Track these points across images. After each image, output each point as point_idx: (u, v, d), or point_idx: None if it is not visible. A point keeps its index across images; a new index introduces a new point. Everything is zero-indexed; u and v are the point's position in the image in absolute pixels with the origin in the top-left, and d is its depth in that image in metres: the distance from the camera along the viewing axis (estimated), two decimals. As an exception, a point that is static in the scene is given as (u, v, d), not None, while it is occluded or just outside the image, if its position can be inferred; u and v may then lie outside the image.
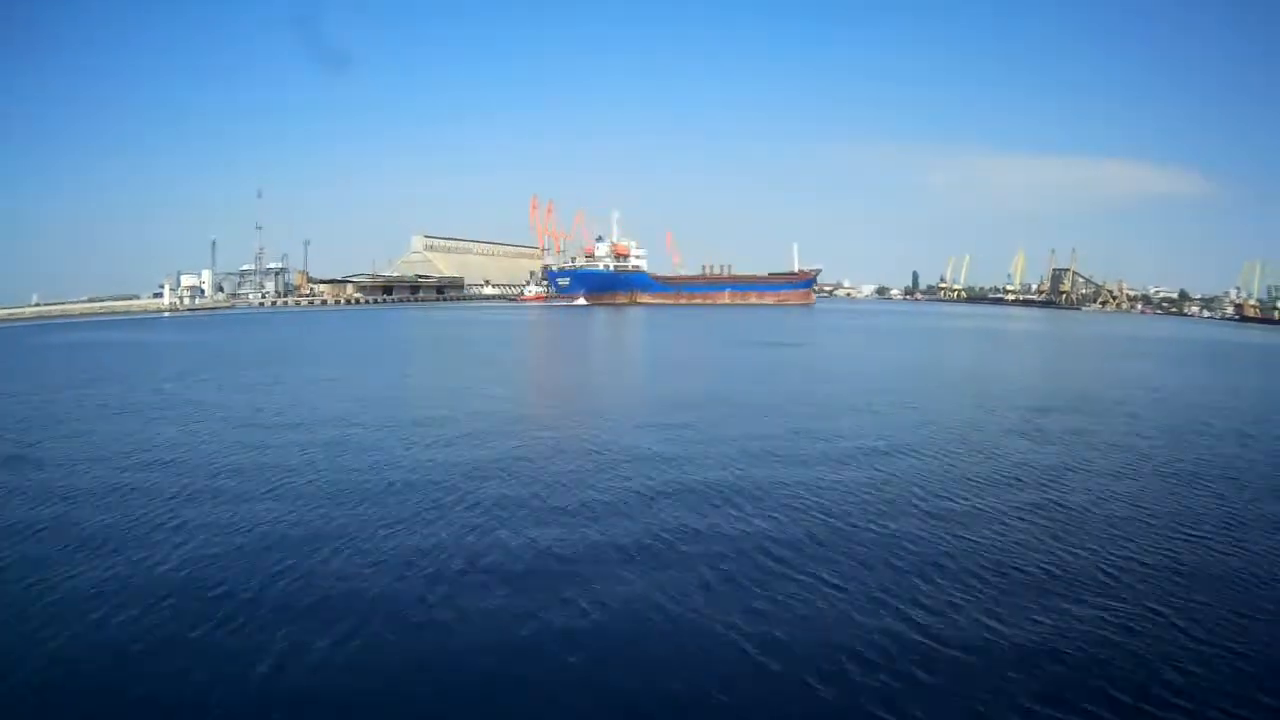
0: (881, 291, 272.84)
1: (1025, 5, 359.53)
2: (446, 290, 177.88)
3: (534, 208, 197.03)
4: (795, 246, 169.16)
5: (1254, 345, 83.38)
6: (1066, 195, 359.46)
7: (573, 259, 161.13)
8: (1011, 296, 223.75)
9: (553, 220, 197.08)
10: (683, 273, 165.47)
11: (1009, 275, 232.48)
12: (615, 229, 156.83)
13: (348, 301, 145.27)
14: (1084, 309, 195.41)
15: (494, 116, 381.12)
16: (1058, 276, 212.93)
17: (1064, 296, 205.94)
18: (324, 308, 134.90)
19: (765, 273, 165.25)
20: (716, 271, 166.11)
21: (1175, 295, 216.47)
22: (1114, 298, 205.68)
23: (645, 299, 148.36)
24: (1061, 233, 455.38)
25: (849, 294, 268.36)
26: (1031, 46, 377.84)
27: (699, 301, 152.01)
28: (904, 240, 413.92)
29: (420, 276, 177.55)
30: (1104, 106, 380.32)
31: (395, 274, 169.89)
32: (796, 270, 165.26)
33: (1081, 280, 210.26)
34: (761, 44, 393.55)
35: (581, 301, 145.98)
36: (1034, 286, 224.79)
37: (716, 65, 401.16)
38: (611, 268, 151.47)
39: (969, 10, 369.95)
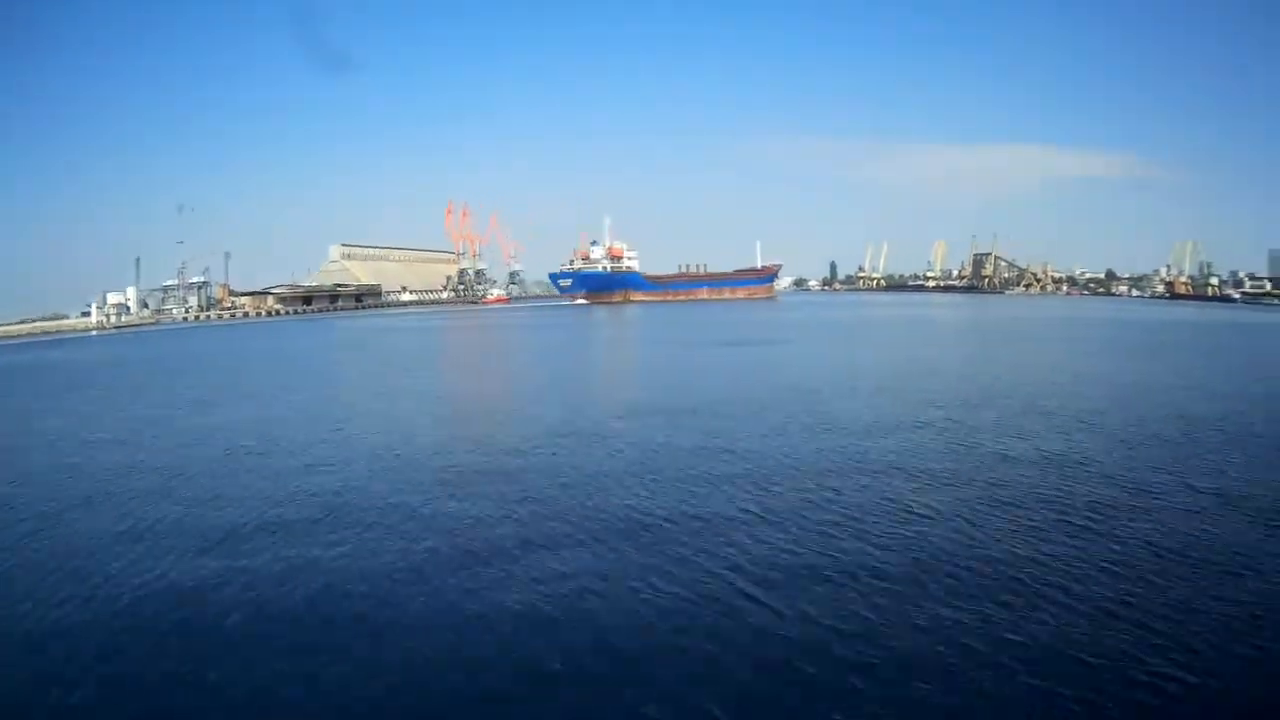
0: (799, 283, 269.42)
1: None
2: (365, 298, 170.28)
3: (449, 212, 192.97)
4: (758, 244, 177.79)
5: (1189, 322, 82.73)
6: (988, 182, 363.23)
7: (569, 263, 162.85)
8: (932, 283, 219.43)
9: (468, 224, 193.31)
10: (665, 272, 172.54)
11: (929, 262, 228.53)
12: (607, 233, 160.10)
13: (269, 313, 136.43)
14: (1007, 292, 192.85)
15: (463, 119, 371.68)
16: (979, 261, 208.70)
17: (986, 281, 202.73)
18: (245, 320, 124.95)
19: (732, 269, 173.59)
20: (693, 270, 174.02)
21: (1102, 276, 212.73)
22: (1038, 280, 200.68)
23: (638, 297, 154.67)
24: (983, 219, 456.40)
25: None
26: (949, 36, 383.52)
27: (682, 298, 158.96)
28: (821, 231, 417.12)
29: (339, 285, 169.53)
30: (1025, 95, 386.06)
31: (314, 283, 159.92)
32: (760, 266, 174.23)
33: (1004, 264, 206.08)
34: (672, 42, 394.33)
35: (582, 301, 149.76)
36: (955, 272, 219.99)
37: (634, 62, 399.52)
38: (609, 269, 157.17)
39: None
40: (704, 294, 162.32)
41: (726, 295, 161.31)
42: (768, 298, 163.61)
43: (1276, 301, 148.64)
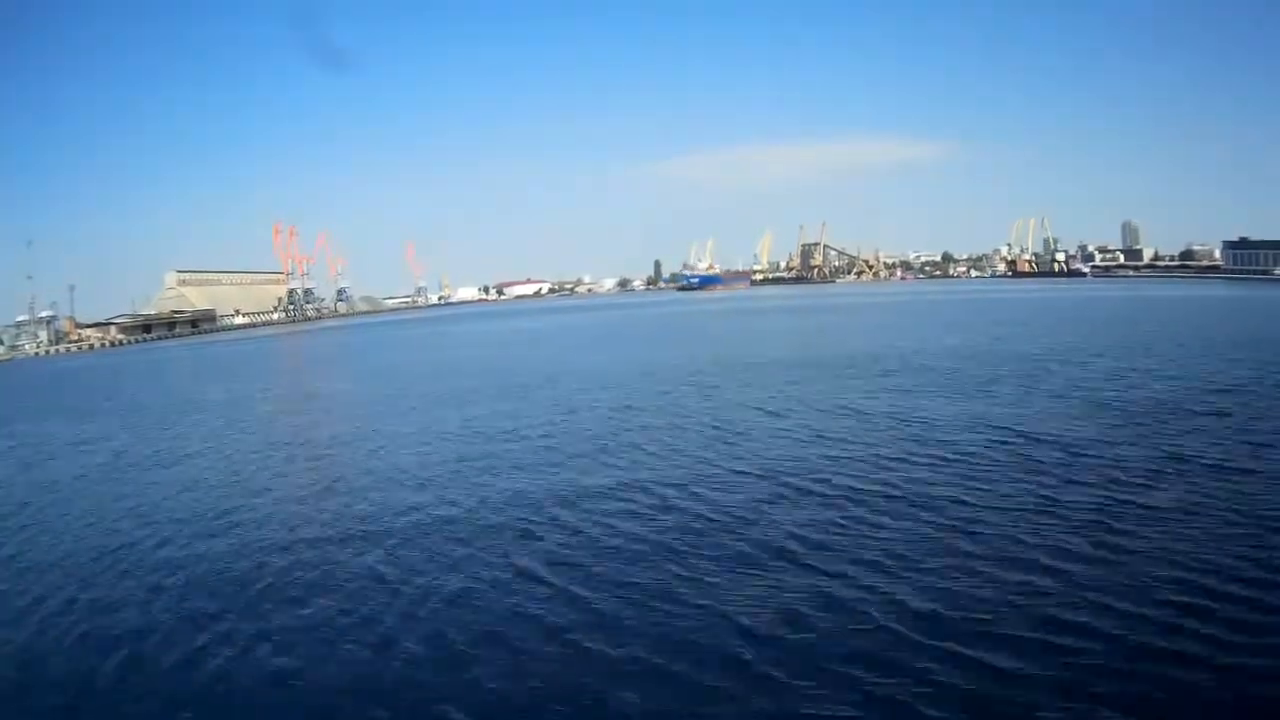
0: (624, 284, 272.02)
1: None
2: (200, 323, 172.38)
3: (276, 233, 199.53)
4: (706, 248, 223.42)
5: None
6: (818, 173, 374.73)
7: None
8: (760, 276, 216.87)
9: (294, 244, 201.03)
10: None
11: (755, 256, 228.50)
12: (706, 251, 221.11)
13: (113, 344, 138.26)
14: (838, 281, 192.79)
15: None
16: (808, 251, 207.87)
17: (816, 271, 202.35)
18: (91, 352, 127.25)
19: (732, 270, 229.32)
20: (736, 269, 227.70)
21: (939, 258, 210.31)
22: (870, 267, 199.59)
23: (718, 290, 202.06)
24: (814, 209, 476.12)
25: (590, 289, 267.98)
26: (775, 35, 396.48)
27: (731, 289, 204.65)
28: (646, 230, 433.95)
29: (175, 312, 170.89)
30: (846, 87, 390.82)
31: (153, 311, 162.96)
32: (742, 269, 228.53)
33: (834, 253, 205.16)
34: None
35: (697, 291, 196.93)
36: (783, 264, 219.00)
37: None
38: (710, 273, 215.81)
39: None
40: (737, 286, 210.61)
41: (737, 288, 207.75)
42: (747, 290, 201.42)
43: (1131, 274, 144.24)
